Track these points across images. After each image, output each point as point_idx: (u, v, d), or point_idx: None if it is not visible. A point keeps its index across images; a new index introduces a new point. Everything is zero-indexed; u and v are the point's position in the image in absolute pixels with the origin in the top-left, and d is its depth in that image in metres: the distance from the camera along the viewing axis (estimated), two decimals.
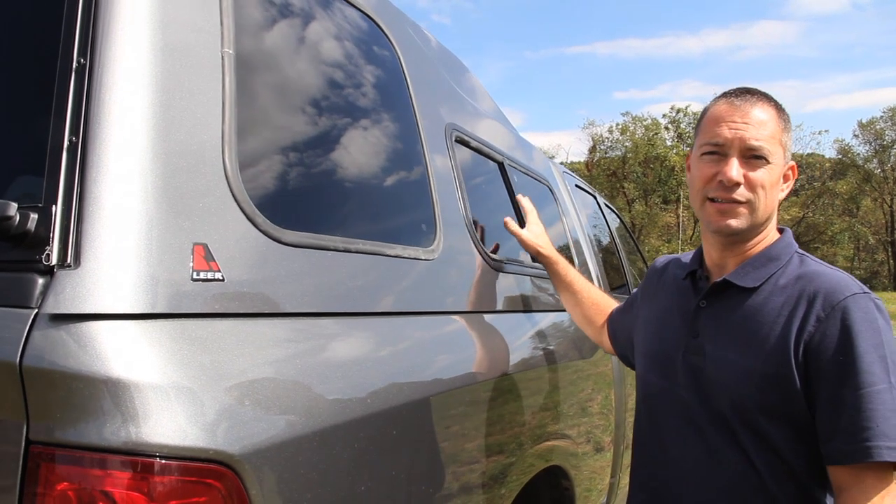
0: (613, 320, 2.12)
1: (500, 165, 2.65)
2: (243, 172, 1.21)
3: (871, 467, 1.38)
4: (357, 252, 1.46)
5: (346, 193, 1.55)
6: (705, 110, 1.65)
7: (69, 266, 0.96)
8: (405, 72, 1.97)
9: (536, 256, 2.28)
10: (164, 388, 0.94)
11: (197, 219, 1.09)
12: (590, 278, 3.36)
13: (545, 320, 2.45)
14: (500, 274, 2.21)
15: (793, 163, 1.64)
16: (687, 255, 1.85)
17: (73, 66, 1.05)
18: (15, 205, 0.97)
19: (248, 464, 0.98)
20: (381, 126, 1.77)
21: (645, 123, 54.08)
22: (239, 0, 1.31)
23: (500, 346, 2.00)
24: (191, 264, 1.05)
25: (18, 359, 0.92)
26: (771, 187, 1.55)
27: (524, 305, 2.36)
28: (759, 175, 1.53)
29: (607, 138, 54.09)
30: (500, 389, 1.88)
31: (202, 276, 1.07)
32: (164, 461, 0.91)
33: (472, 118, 2.51)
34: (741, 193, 1.53)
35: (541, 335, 2.36)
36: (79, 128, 1.02)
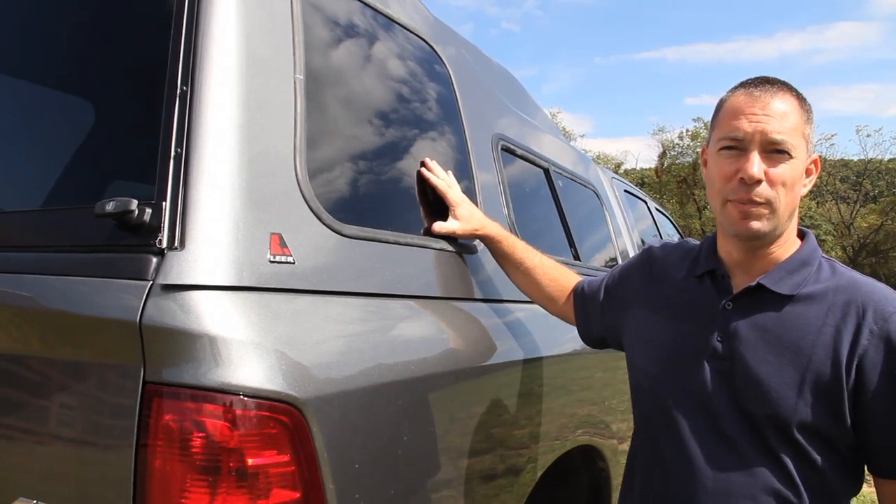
0: (583, 297, 1.96)
1: (546, 171, 2.88)
2: (311, 176, 1.47)
3: None
4: (406, 244, 1.72)
5: (398, 194, 1.82)
6: (722, 101, 1.54)
7: (176, 248, 1.24)
8: (455, 87, 2.22)
9: (477, 239, 2.02)
10: (247, 343, 1.21)
11: (273, 213, 1.36)
12: None
13: None
14: None
15: (816, 155, 1.55)
16: (686, 246, 1.76)
17: (178, 93, 1.33)
18: (135, 201, 1.24)
19: (310, 406, 1.24)
20: (430, 136, 2.03)
21: None
22: (307, 35, 1.58)
23: (537, 334, 2.23)
24: (268, 249, 1.32)
25: (138, 318, 1.20)
26: (793, 184, 1.46)
27: None
28: (780, 171, 1.43)
29: (678, 144, 53.14)
30: (532, 372, 2.11)
31: (277, 259, 1.34)
32: (245, 398, 1.18)
33: (520, 129, 2.74)
34: (762, 192, 1.43)
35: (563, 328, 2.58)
36: (182, 141, 1.30)
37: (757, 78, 1.51)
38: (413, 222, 1.84)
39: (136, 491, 1.19)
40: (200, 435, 1.18)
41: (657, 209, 4.77)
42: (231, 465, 1.18)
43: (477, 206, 2.10)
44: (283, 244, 1.35)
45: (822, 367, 1.43)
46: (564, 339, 2.38)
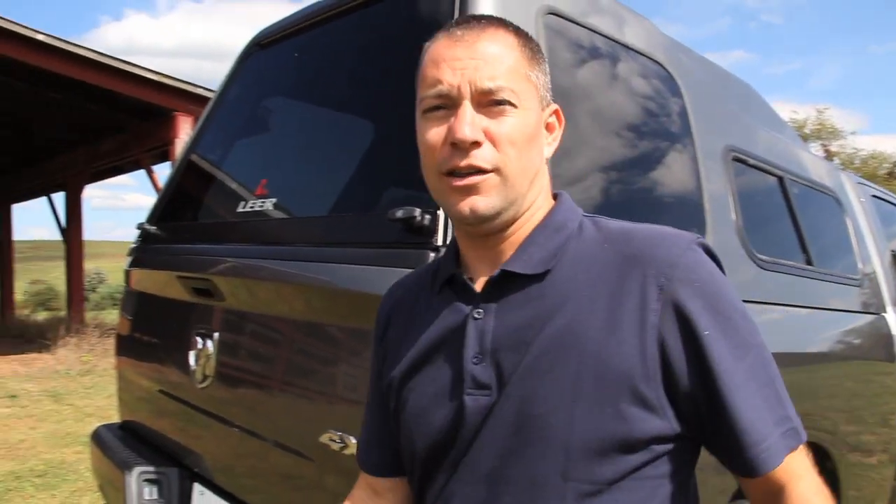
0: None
1: (780, 180, 3.00)
2: (562, 187, 1.79)
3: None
4: None
5: (631, 201, 2.10)
6: (423, 51, 1.15)
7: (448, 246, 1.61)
8: (686, 103, 2.45)
9: None
10: None
11: None
12: (877, 291, 3.52)
13: (815, 317, 2.76)
14: (770, 273, 2.59)
15: (555, 105, 1.19)
16: (416, 272, 1.35)
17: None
18: (418, 210, 1.63)
19: None
20: (659, 149, 2.28)
21: None
22: (551, 70, 1.90)
23: (787, 334, 2.40)
24: None
25: None
26: (527, 141, 1.08)
27: (792, 301, 2.70)
28: (505, 127, 1.06)
29: None
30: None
31: None
32: None
33: (754, 139, 2.89)
34: (485, 157, 1.05)
35: (804, 330, 2.69)
36: None
37: (464, 16, 1.20)
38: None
39: None
40: None
41: None
42: None
43: (703, 210, 2.32)
44: None
45: (606, 352, 1.02)
46: (788, 342, 2.52)
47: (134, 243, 3.02)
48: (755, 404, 1.02)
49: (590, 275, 1.08)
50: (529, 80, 1.11)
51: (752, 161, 2.78)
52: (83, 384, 9.57)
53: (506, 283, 1.11)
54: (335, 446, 1.75)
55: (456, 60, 1.07)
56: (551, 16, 1.99)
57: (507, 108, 1.06)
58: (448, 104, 1.07)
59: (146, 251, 2.92)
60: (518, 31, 1.14)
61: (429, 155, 1.10)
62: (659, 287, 1.03)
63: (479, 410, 1.08)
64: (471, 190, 1.06)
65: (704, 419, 1.04)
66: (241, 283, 2.20)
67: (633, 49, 2.29)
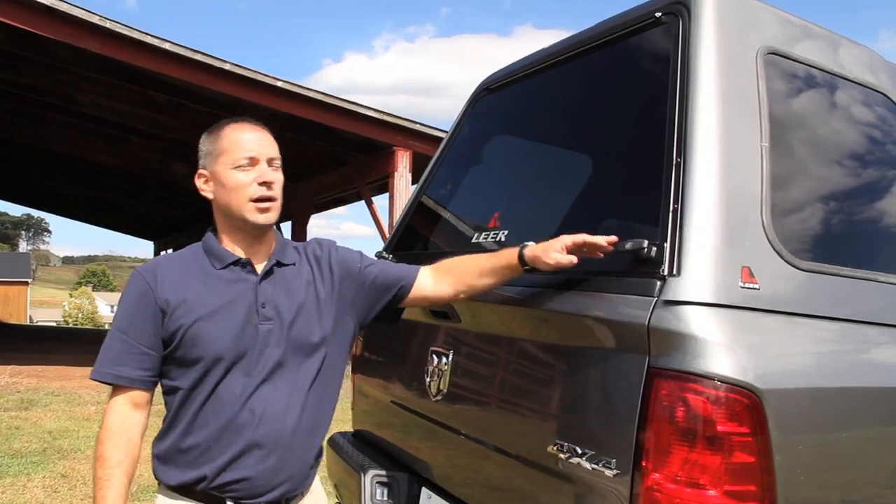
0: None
1: None
2: (773, 222, 1.88)
3: None
4: (853, 277, 2.04)
5: (845, 235, 2.14)
6: (218, 137, 2.10)
7: (673, 275, 1.76)
8: None
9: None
10: (722, 344, 1.68)
11: (744, 251, 1.81)
12: None
13: None
14: None
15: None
16: (183, 255, 2.17)
17: (674, 163, 1.87)
18: (646, 241, 1.80)
19: (766, 394, 1.66)
20: (879, 178, 2.30)
21: None
22: (771, 109, 2.00)
23: None
24: (740, 278, 1.78)
25: (647, 323, 1.74)
26: (281, 186, 2.11)
27: None
28: (279, 177, 2.09)
29: None
30: None
31: (746, 286, 1.78)
32: (718, 382, 1.65)
33: None
34: (275, 191, 2.06)
35: None
36: (678, 199, 1.82)
37: (240, 119, 2.13)
38: (864, 258, 2.15)
39: (637, 439, 1.73)
40: (684, 406, 1.67)
41: None
42: (705, 429, 1.65)
43: None
44: (751, 275, 1.79)
45: (328, 297, 2.17)
46: None
47: None
48: (396, 266, 2.36)
49: (306, 264, 2.20)
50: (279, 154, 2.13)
51: None
52: None
53: (275, 267, 2.13)
54: (561, 455, 1.93)
55: (258, 142, 2.08)
56: (772, 55, 2.09)
57: (279, 168, 2.10)
58: (252, 163, 2.05)
59: None
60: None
61: (241, 189, 2.04)
62: (329, 259, 2.24)
63: (267, 332, 2.04)
64: (268, 209, 2.06)
65: (379, 281, 2.29)
66: (478, 306, 2.44)
67: (853, 80, 2.32)
